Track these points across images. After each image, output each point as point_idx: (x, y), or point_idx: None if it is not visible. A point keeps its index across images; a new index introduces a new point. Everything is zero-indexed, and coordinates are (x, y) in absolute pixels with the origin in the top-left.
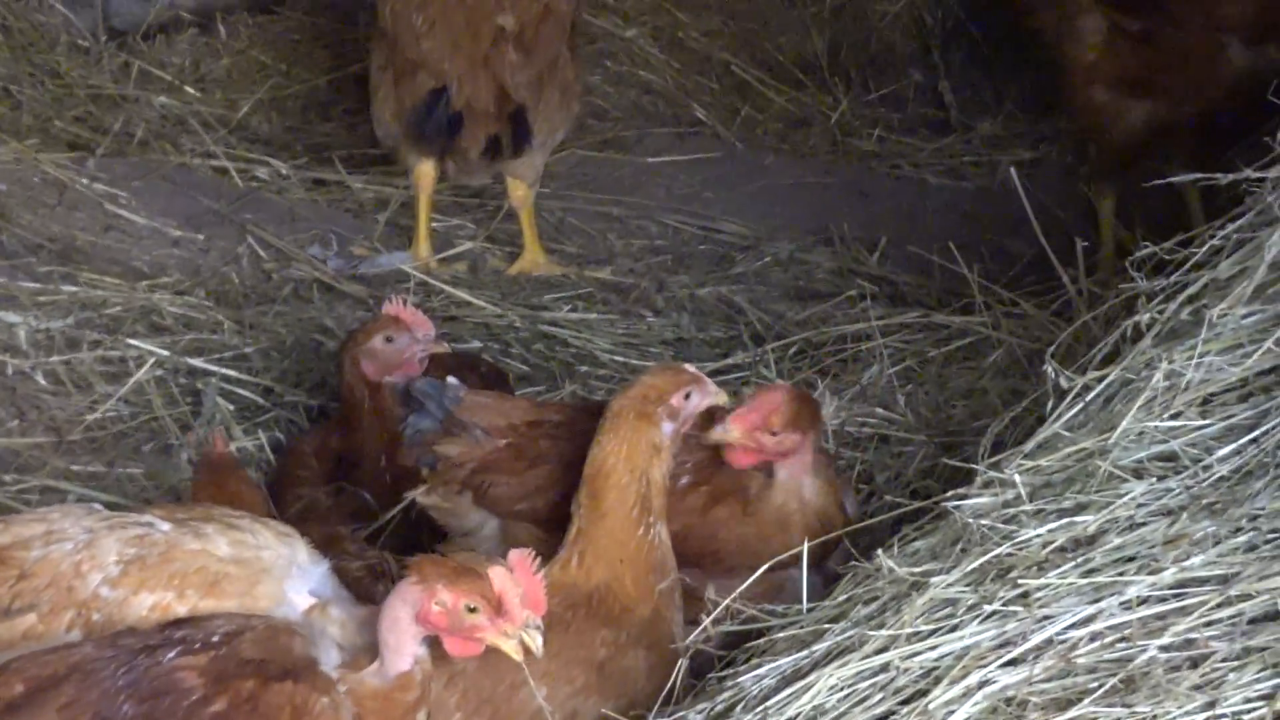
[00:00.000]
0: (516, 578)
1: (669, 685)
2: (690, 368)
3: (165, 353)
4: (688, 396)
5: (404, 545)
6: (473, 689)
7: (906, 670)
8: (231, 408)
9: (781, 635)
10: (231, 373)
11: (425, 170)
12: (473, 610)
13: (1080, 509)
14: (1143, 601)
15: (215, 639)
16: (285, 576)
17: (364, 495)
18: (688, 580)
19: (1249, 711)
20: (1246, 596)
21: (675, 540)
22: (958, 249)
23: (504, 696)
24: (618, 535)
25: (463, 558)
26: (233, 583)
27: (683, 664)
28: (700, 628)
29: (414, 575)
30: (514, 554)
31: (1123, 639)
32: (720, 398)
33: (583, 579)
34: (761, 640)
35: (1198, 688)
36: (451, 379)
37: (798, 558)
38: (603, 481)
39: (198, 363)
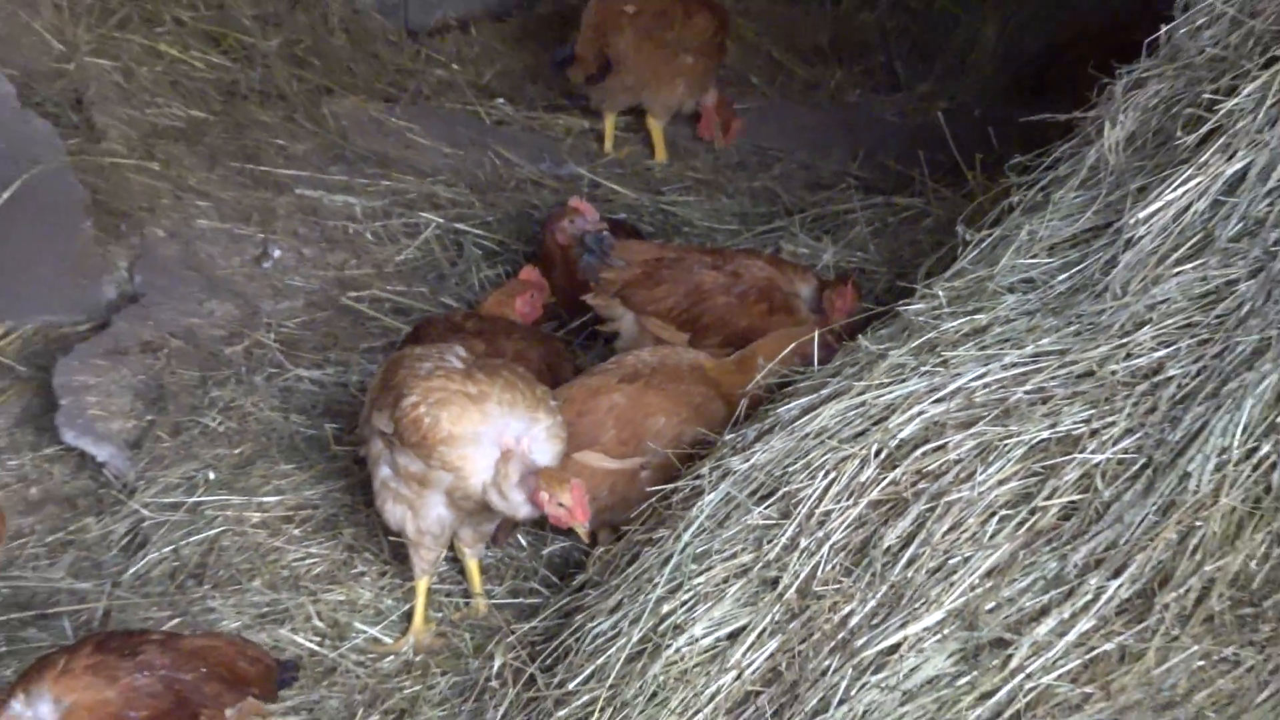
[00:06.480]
0: (577, 495)
1: (735, 415)
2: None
3: (440, 220)
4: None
5: (586, 336)
6: (624, 416)
7: (875, 405)
8: (479, 252)
9: (803, 384)
10: (480, 232)
11: (611, 118)
12: (561, 505)
13: (976, 311)
14: (1014, 365)
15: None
16: (491, 418)
17: (555, 306)
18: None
19: (1076, 429)
20: (1074, 361)
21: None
22: (905, 160)
23: (640, 420)
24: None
25: (554, 473)
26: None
27: (743, 403)
28: (753, 380)
29: (540, 481)
30: (575, 482)
31: (1002, 387)
32: None
33: (707, 367)
34: (790, 388)
35: (1045, 415)
36: (606, 232)
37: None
38: (751, 367)
39: (460, 226)
